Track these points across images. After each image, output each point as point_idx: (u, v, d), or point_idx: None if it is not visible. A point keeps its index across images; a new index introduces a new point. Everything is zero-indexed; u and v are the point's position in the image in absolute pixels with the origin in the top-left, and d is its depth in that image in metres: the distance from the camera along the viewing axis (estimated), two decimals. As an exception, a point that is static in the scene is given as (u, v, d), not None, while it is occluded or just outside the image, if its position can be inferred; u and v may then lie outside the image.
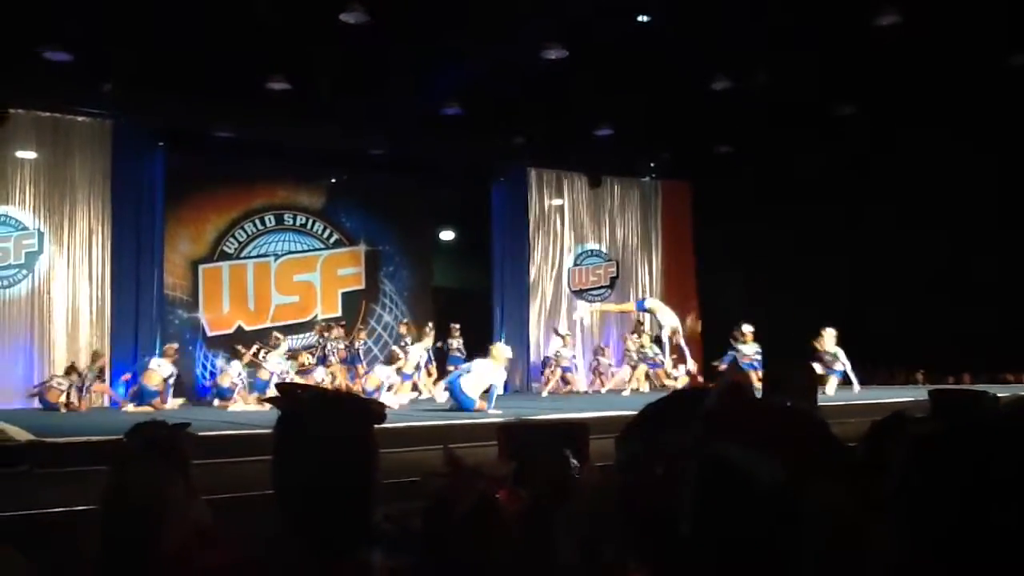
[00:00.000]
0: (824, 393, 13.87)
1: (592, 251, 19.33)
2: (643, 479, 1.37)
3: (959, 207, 14.15)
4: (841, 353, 13.28)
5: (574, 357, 17.54)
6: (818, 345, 13.34)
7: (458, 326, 16.85)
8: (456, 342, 16.73)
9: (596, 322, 19.07)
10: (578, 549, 1.64)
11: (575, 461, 1.96)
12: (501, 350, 11.14)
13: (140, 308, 14.74)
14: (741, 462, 1.21)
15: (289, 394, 1.88)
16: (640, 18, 11.89)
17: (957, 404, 1.39)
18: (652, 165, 19.28)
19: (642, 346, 16.51)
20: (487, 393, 10.54)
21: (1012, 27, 11.46)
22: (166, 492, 1.93)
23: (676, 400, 1.58)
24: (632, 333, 17.23)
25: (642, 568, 1.36)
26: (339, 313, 17.40)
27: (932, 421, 1.34)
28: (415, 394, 14.27)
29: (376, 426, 1.78)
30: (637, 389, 16.22)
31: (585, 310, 17.50)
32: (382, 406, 1.84)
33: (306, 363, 13.89)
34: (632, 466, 1.43)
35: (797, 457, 1.23)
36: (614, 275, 19.45)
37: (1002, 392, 3.33)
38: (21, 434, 7.24)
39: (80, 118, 14.39)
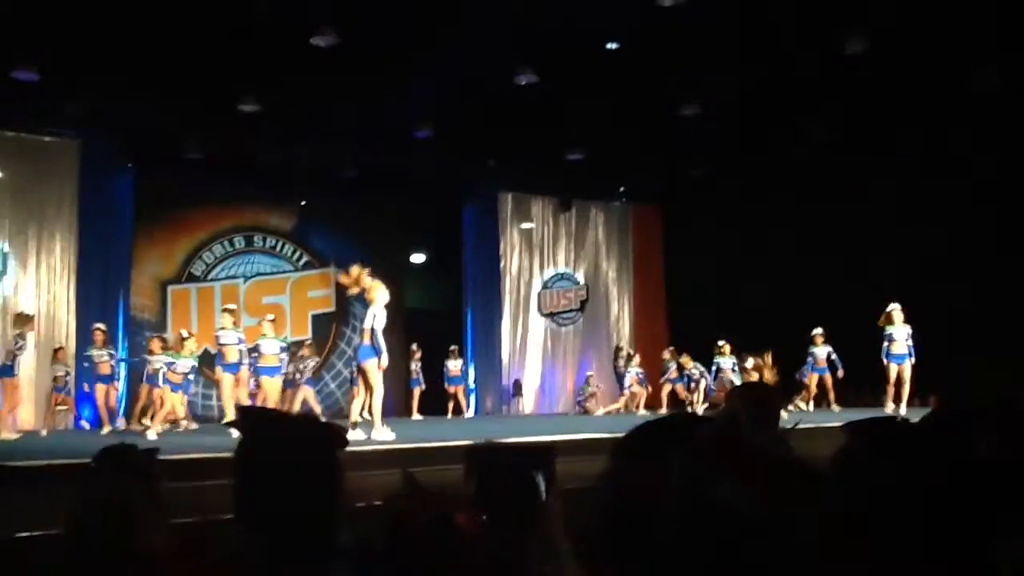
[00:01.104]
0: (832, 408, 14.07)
1: (563, 274, 19.39)
2: (629, 499, 1.38)
3: (932, 233, 14.36)
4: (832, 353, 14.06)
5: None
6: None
7: (418, 350, 16.81)
8: (415, 364, 16.71)
9: (572, 346, 19.13)
10: (544, 564, 1.64)
11: (544, 484, 1.95)
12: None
13: (107, 329, 14.54)
14: (727, 498, 1.24)
15: (251, 418, 1.86)
16: (609, 45, 12.01)
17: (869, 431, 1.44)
18: (622, 189, 19.39)
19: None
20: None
21: (976, 53, 11.68)
22: (135, 514, 1.91)
23: (672, 423, 1.60)
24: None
25: None
26: (309, 335, 17.30)
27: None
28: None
29: (341, 449, 1.77)
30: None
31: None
32: (344, 429, 1.82)
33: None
34: (620, 486, 1.44)
35: (777, 495, 1.26)
36: (584, 299, 19.51)
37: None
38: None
39: (47, 138, 14.29)
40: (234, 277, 17.08)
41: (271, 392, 11.73)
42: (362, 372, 9.60)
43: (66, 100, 13.12)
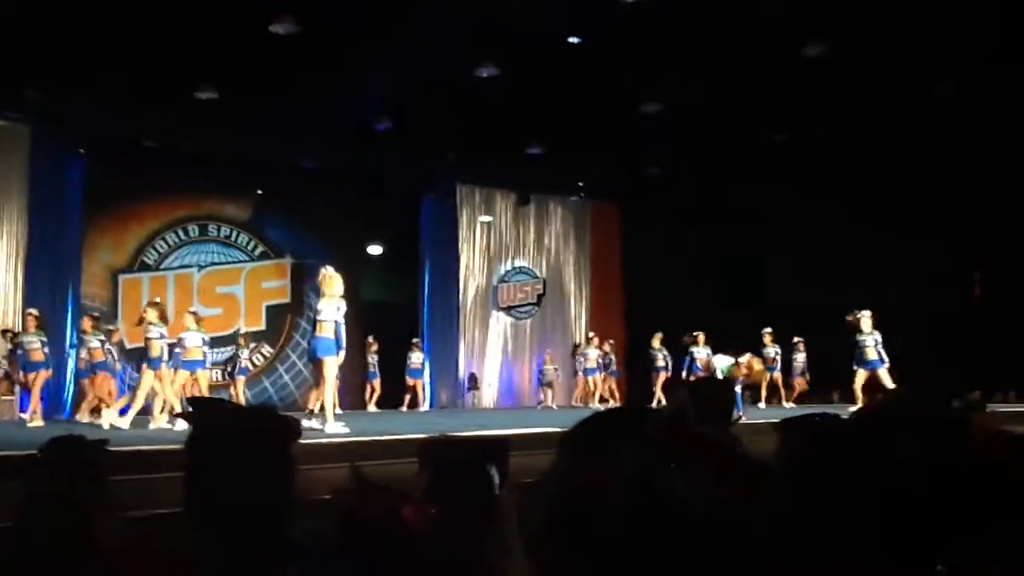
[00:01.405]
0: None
1: (520, 268, 19.40)
2: (577, 488, 1.39)
3: (894, 232, 14.62)
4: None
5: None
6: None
7: (374, 342, 16.74)
8: (372, 357, 16.64)
9: (528, 340, 19.16)
10: (497, 559, 1.64)
11: (497, 478, 1.95)
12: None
13: (55, 318, 14.27)
14: (673, 486, 1.25)
15: (203, 409, 1.84)
16: (570, 39, 12.02)
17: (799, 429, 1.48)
18: (581, 184, 19.44)
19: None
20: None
21: (935, 57, 11.86)
22: (85, 507, 1.87)
23: (626, 415, 1.61)
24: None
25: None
26: (263, 327, 17.15)
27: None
28: None
29: (294, 442, 1.76)
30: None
31: None
32: (298, 422, 1.81)
33: None
34: (569, 475, 1.45)
35: (723, 484, 1.27)
36: (541, 292, 19.54)
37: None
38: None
39: (-3, 122, 13.96)
40: (188, 266, 16.87)
41: (202, 386, 11.63)
42: (319, 365, 9.46)
43: (17, 85, 12.82)
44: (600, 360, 17.29)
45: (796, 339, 15.85)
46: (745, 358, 12.99)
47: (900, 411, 1.65)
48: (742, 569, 1.26)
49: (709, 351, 14.75)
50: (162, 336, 11.16)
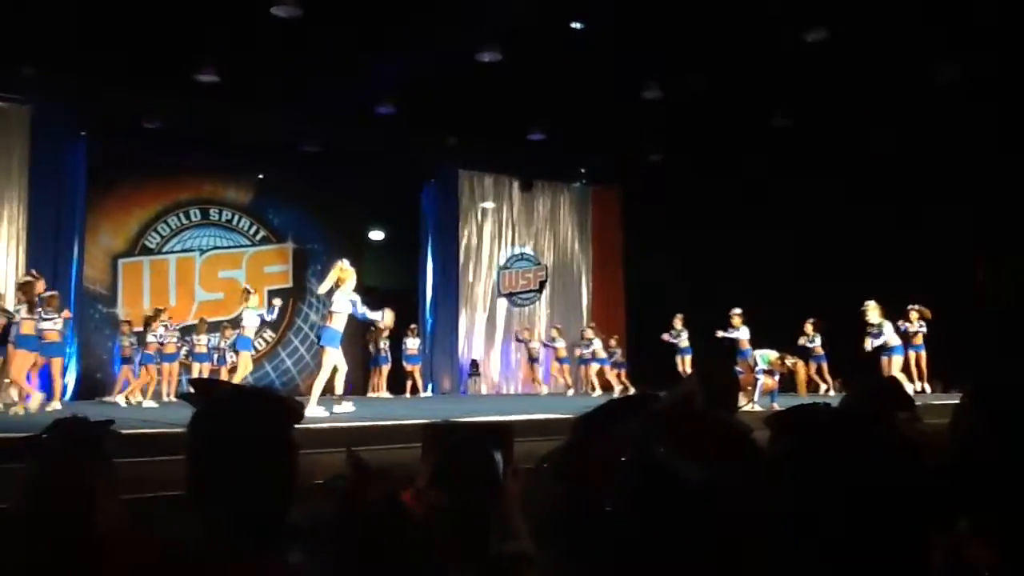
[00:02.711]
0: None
1: (522, 255, 19.38)
2: (583, 463, 1.40)
3: (897, 219, 14.62)
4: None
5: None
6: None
7: (384, 328, 16.73)
8: (383, 343, 16.62)
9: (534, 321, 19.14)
10: (505, 547, 1.64)
11: (501, 462, 1.95)
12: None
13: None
14: (671, 463, 1.25)
15: (206, 391, 1.82)
16: (573, 25, 11.96)
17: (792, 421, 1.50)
18: (583, 171, 19.40)
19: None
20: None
21: (937, 42, 11.82)
22: (90, 490, 1.86)
23: (636, 398, 1.63)
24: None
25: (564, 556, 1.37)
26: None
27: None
28: None
29: (296, 425, 1.74)
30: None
31: None
32: (301, 404, 1.79)
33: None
34: (575, 450, 1.46)
35: (722, 465, 1.28)
36: (543, 279, 19.52)
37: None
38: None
39: (-3, 103, 13.91)
40: (189, 250, 16.86)
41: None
42: (322, 352, 9.92)
43: (17, 64, 12.77)
44: (606, 350, 17.31)
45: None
46: (791, 360, 13.20)
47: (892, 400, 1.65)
48: (741, 547, 1.26)
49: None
50: (261, 319, 11.95)
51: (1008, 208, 13.82)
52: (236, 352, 12.74)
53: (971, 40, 11.65)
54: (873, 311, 13.01)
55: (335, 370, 9.75)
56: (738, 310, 14.42)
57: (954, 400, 2.53)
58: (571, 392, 17.08)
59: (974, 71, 12.22)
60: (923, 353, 13.62)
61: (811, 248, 15.65)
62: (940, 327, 13.37)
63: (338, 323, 9.74)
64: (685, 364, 16.04)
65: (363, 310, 9.93)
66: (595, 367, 16.98)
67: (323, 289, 10.04)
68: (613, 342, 17.61)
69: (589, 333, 17.25)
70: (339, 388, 10.01)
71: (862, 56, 12.13)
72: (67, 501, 1.76)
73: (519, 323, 18.96)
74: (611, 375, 17.13)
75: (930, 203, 14.35)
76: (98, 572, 1.62)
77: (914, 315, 13.60)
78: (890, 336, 13.00)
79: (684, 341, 16.19)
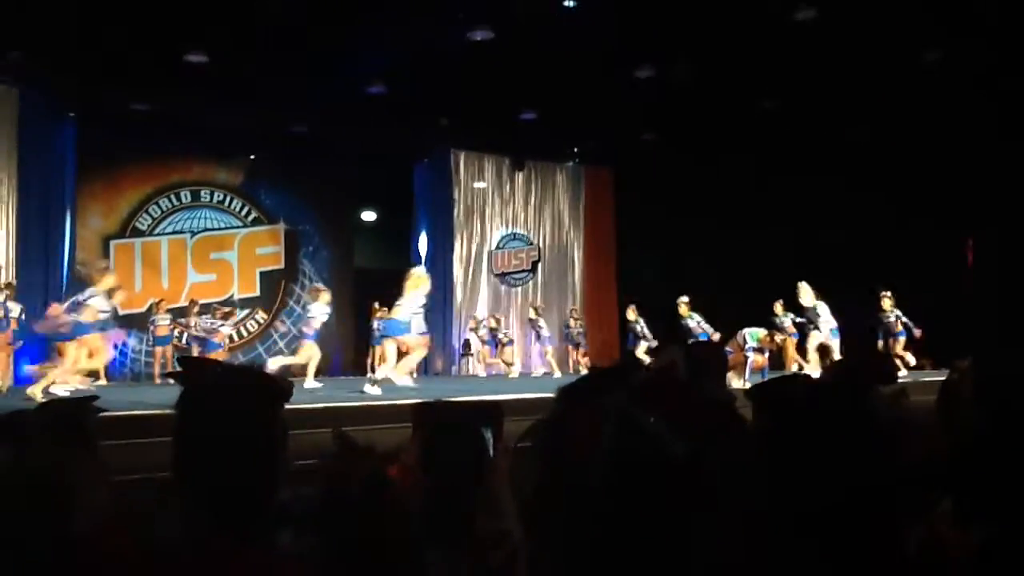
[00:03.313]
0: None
1: (515, 235, 19.35)
2: (564, 437, 1.40)
3: (886, 201, 14.62)
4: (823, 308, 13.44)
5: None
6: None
7: (380, 307, 16.71)
8: (378, 324, 16.58)
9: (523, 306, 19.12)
10: (492, 525, 1.64)
11: (491, 441, 1.94)
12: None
13: (49, 284, 14.23)
14: (654, 434, 1.25)
15: (193, 370, 1.81)
16: (566, 3, 11.89)
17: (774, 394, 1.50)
18: (576, 150, 19.35)
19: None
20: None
21: (927, 23, 11.79)
22: (72, 472, 1.84)
23: (618, 370, 1.63)
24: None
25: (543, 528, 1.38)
26: (257, 293, 17.12)
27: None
28: None
29: (286, 405, 1.73)
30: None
31: None
32: (290, 384, 1.78)
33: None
34: (557, 424, 1.46)
35: (704, 435, 1.28)
36: (536, 259, 19.51)
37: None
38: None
39: (-17, 85, 13.78)
40: (181, 232, 16.80)
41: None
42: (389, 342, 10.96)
43: (4, 47, 12.66)
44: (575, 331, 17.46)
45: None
46: (780, 337, 13.17)
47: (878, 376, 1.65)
48: (721, 520, 1.26)
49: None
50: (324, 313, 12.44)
51: (997, 190, 13.85)
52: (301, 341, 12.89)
53: (960, 23, 11.64)
54: (806, 294, 12.94)
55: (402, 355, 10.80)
56: (685, 298, 14.25)
57: (942, 377, 2.54)
58: (558, 374, 17.08)
59: (961, 53, 12.21)
60: (902, 339, 13.64)
61: (804, 227, 15.67)
62: (932, 310, 13.42)
63: (402, 315, 10.72)
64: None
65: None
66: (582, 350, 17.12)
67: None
68: (572, 322, 17.71)
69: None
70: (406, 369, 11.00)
71: (852, 36, 12.10)
72: (47, 482, 1.74)
73: (511, 304, 18.96)
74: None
75: (919, 188, 14.36)
76: (80, 570, 1.60)
77: (886, 303, 13.62)
78: (826, 318, 12.93)
79: (695, 326, 16.06)
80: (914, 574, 1.33)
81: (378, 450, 1.46)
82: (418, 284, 10.93)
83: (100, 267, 11.58)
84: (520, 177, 19.29)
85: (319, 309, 12.46)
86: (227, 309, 16.06)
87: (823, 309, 12.92)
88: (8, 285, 12.47)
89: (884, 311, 13.95)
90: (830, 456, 1.26)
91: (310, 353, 12.17)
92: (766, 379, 1.64)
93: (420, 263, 18.19)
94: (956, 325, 12.83)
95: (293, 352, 13.01)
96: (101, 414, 2.08)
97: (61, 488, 1.75)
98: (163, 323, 15.11)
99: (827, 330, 12.83)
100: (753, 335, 12.30)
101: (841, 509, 1.22)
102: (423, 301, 10.99)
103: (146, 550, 1.57)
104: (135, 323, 15.87)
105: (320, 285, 13.53)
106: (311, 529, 1.44)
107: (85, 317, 10.33)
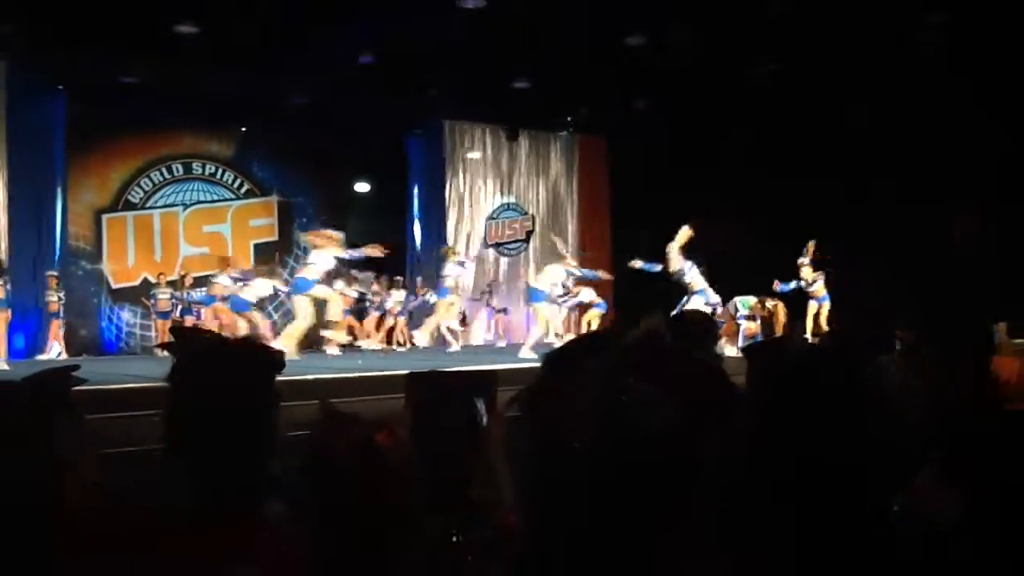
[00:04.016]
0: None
1: (509, 205, 19.30)
2: (551, 403, 1.39)
3: (885, 172, 14.59)
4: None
5: None
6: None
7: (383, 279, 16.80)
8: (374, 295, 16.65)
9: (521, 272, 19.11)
10: (484, 490, 1.64)
11: (484, 410, 1.94)
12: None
13: (41, 259, 14.18)
14: (643, 397, 1.24)
15: (186, 339, 1.80)
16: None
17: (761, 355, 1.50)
18: (569, 119, 19.25)
19: None
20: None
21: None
22: (55, 439, 1.83)
23: (603, 335, 1.63)
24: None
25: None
26: (251, 265, 17.05)
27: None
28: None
29: (279, 376, 1.72)
30: None
31: None
32: (282, 353, 1.78)
33: None
34: (544, 390, 1.45)
35: (694, 400, 1.27)
36: (530, 229, 19.47)
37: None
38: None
39: (-30, 57, 13.64)
40: (173, 205, 16.72)
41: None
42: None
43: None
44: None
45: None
46: (772, 303, 13.17)
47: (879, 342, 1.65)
48: (702, 484, 1.27)
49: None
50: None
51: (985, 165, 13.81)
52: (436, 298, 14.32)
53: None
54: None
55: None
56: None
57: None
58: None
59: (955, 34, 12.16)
60: (827, 304, 13.73)
61: (795, 195, 15.61)
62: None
63: (543, 284, 12.14)
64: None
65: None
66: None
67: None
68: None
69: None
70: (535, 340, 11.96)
71: (850, 9, 12.02)
72: (34, 453, 1.72)
73: (506, 274, 18.95)
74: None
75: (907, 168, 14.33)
76: (68, 542, 1.60)
77: (806, 271, 13.70)
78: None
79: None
80: (895, 541, 1.33)
81: (364, 418, 1.45)
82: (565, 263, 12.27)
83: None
84: (514, 147, 19.20)
85: (452, 267, 13.96)
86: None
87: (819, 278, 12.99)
88: None
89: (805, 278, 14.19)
90: (821, 423, 1.25)
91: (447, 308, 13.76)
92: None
93: (415, 234, 18.22)
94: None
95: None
96: (80, 386, 2.05)
97: (44, 454, 1.73)
98: (163, 297, 15.06)
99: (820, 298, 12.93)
100: (744, 303, 12.35)
101: (823, 478, 1.22)
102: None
103: (135, 518, 1.57)
104: (128, 297, 15.84)
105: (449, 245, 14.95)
106: (299, 496, 1.44)
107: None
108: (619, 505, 1.21)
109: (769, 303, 12.96)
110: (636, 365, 1.33)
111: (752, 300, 12.43)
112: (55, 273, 13.81)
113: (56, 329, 13.61)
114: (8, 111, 13.81)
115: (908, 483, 1.63)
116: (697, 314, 3.14)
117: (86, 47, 13.30)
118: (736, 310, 12.37)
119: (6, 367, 10.65)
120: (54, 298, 13.61)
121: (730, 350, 11.05)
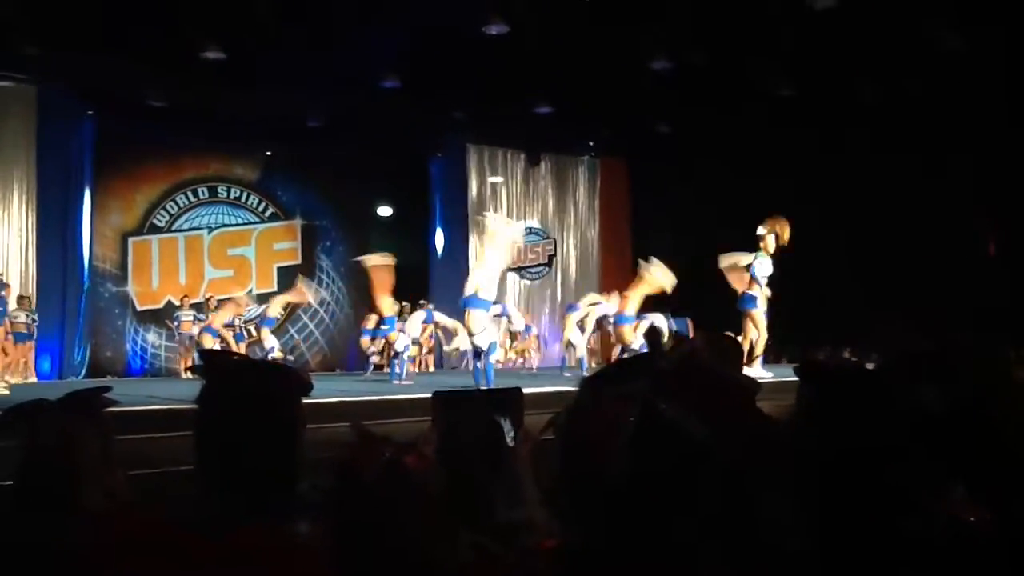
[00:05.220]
0: None
1: (531, 229, 19.32)
2: (589, 425, 1.40)
3: (897, 188, 14.53)
4: None
5: None
6: None
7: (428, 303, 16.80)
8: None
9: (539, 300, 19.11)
10: (510, 510, 1.64)
11: (511, 429, 1.94)
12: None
13: (67, 281, 14.33)
14: (678, 419, 1.25)
15: (216, 362, 1.82)
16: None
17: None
18: (591, 143, 19.29)
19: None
20: None
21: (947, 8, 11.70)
22: (83, 453, 1.85)
23: (640, 358, 1.63)
24: None
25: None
26: (275, 288, 17.16)
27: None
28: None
29: (304, 398, 1.74)
30: None
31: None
32: (309, 376, 1.79)
33: None
34: (581, 412, 1.46)
35: (727, 423, 1.27)
36: (552, 253, 19.48)
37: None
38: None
39: (2, 83, 13.86)
40: (198, 228, 16.86)
41: None
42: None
43: (22, 44, 12.70)
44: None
45: None
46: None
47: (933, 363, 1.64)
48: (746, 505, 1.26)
49: None
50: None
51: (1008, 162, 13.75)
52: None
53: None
54: None
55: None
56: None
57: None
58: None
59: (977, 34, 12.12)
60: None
61: (818, 209, 15.55)
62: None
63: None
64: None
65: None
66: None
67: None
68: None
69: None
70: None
71: (871, 25, 12.01)
72: (58, 474, 1.75)
73: (528, 298, 18.95)
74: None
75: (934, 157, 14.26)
76: (93, 548, 1.61)
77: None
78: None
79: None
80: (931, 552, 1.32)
81: (395, 440, 1.46)
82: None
83: None
84: (535, 171, 19.25)
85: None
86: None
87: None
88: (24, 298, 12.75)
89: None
90: (868, 443, 1.25)
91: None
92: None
93: (436, 258, 18.26)
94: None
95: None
96: (111, 408, 2.08)
97: (68, 464, 1.77)
98: (186, 319, 15.21)
99: None
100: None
101: (863, 494, 1.22)
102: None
103: (163, 535, 1.58)
104: (153, 319, 15.96)
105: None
106: (327, 516, 1.45)
107: None
108: (655, 527, 1.21)
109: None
110: (676, 388, 1.33)
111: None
112: (28, 295, 13.41)
113: (26, 351, 13.07)
114: (38, 135, 14.02)
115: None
116: (728, 337, 3.13)
117: (114, 72, 13.51)
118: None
119: (6, 392, 10.66)
120: (24, 318, 12.92)
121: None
